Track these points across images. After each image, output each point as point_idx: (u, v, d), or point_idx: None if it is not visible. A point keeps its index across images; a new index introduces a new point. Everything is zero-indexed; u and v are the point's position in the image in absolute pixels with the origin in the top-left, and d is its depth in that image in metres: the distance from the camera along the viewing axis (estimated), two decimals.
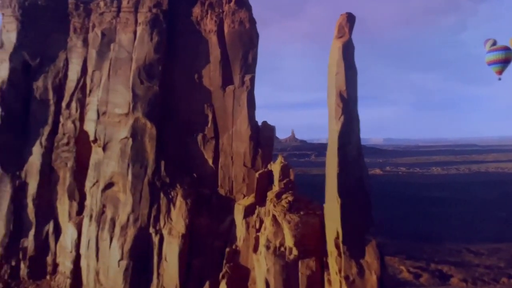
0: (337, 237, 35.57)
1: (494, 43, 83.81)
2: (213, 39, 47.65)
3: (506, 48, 69.01)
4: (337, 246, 35.38)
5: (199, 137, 47.58)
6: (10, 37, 54.69)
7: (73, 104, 53.58)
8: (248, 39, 46.82)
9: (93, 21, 51.71)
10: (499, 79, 71.99)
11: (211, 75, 47.80)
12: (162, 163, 46.16)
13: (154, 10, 48.00)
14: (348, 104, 37.16)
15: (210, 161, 47.27)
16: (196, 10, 48.74)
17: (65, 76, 54.57)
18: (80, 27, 53.90)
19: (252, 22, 47.06)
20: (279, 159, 44.07)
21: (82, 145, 52.28)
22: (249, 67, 46.73)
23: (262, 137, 46.61)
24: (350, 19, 40.87)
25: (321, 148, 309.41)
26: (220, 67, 47.03)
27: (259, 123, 47.44)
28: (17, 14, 54.42)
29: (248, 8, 47.22)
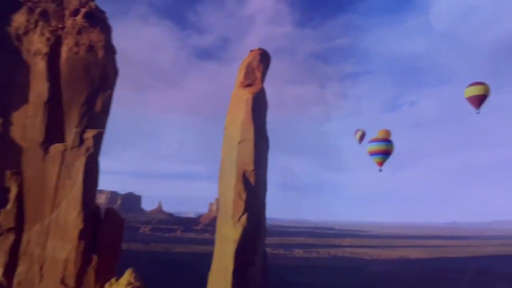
0: None
1: (363, 133, 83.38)
2: (40, 66, 29.14)
3: (386, 140, 66.49)
4: None
5: None
6: None
7: None
8: (100, 74, 29.74)
9: None
10: (380, 170, 68.23)
11: (27, 122, 28.69)
12: None
13: None
14: (255, 196, 23.40)
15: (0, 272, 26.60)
16: (19, 18, 30.26)
17: None
18: None
19: (110, 50, 30.59)
20: (127, 275, 25.91)
21: None
22: (96, 117, 29.38)
23: (104, 233, 28.25)
24: (264, 59, 28.32)
25: (188, 223, 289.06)
26: (44, 111, 28.43)
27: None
28: None
29: (106, 30, 30.72)
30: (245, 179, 24.71)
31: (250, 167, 25.56)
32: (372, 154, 66.59)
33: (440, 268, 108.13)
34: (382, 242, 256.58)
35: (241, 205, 24.39)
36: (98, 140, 29.19)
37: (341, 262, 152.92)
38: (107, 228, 28.70)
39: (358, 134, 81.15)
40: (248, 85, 27.66)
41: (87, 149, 28.47)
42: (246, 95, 27.58)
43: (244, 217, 23.80)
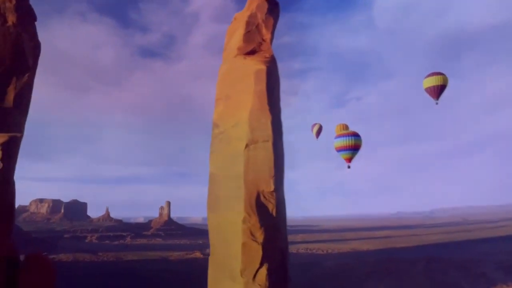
0: None
1: (320, 128, 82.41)
2: None
3: (355, 134, 64.22)
4: None
5: None
6: None
7: None
8: (11, 50, 20.42)
9: None
10: (349, 167, 66.45)
11: None
12: None
13: None
14: (278, 233, 17.04)
15: None
16: None
17: None
18: None
19: (26, 15, 21.94)
20: None
21: None
22: (7, 115, 20.33)
23: None
24: (274, 9, 20.64)
25: (138, 229, 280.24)
26: None
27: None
28: None
29: None
30: (260, 207, 15.84)
31: (268, 186, 15.74)
32: (340, 150, 63.10)
33: (392, 259, 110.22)
34: (333, 236, 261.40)
35: (257, 252, 15.55)
36: (11, 148, 19.44)
37: (297, 258, 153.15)
38: (30, 281, 19.04)
39: (315, 129, 79.54)
40: (251, 52, 18.52)
41: None
42: (255, 66, 17.55)
43: (263, 272, 15.34)
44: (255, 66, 17.08)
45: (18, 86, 20.31)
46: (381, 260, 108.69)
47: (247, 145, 17.24)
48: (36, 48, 22.07)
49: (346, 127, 65.52)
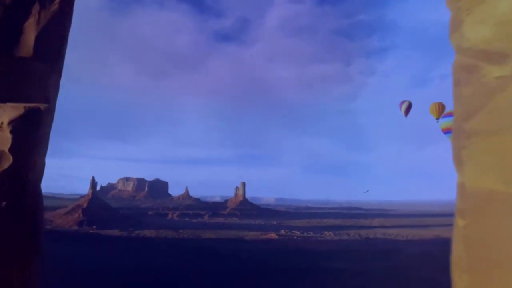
0: None
1: (410, 104, 76.12)
2: None
3: None
4: None
5: None
6: None
7: None
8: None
9: None
10: None
11: None
12: None
13: None
14: None
15: None
16: None
17: None
18: None
19: None
20: None
21: None
22: (27, 74, 10.39)
23: None
24: None
25: (215, 208, 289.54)
26: None
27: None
28: None
29: None
30: None
31: None
32: (446, 132, 54.67)
33: None
34: (413, 222, 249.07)
35: None
36: (29, 129, 10.12)
37: (374, 244, 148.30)
38: None
39: (404, 106, 73.41)
40: None
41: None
42: None
43: None
44: None
45: (42, 20, 11.24)
46: None
47: None
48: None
49: (442, 106, 58.71)
